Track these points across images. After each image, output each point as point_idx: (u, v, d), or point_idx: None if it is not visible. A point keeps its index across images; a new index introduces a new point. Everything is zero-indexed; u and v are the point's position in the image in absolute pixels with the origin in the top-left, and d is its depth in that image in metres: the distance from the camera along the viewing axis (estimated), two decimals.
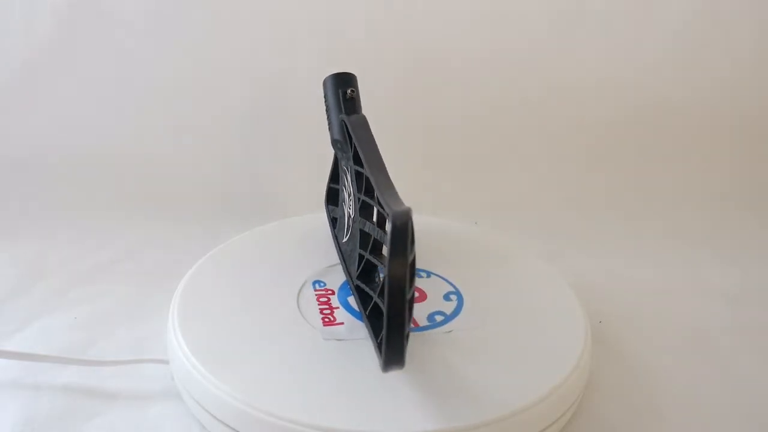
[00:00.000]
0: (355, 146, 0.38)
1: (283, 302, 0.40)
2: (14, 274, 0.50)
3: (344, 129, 0.41)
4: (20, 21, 0.68)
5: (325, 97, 0.43)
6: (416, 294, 0.42)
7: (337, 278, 0.43)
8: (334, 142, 0.43)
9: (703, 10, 0.73)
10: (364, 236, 0.38)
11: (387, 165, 0.36)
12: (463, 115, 0.72)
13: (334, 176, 0.47)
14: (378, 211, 0.37)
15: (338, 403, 0.33)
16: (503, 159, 0.71)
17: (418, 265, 0.44)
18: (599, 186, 0.70)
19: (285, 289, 0.41)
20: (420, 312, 0.40)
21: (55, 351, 0.40)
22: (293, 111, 0.70)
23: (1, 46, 0.67)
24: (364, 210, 0.38)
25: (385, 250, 0.35)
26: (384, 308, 0.27)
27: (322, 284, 0.43)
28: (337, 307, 0.40)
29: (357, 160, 0.38)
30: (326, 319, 0.39)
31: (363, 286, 0.38)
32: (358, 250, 0.39)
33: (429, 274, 0.44)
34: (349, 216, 0.42)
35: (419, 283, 0.43)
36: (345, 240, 0.43)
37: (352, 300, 0.40)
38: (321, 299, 0.41)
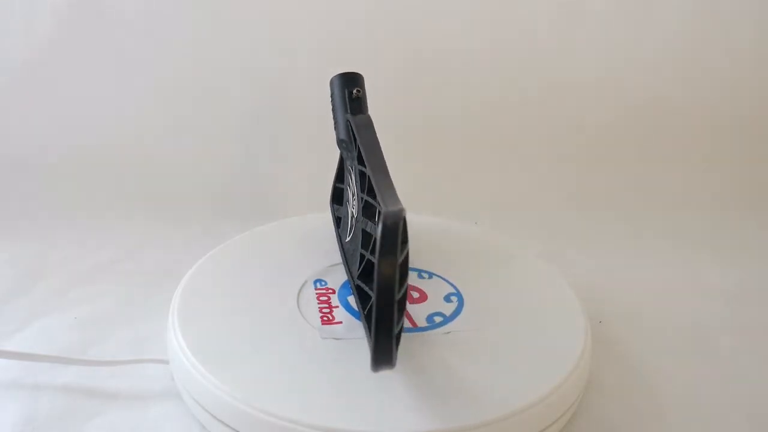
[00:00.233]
0: (359, 146, 0.38)
1: (282, 302, 0.40)
2: (14, 274, 0.50)
3: (349, 129, 0.41)
4: (20, 21, 0.68)
5: (331, 96, 0.43)
6: (417, 295, 0.42)
7: (338, 277, 0.43)
8: (340, 142, 0.43)
9: (703, 9, 0.73)
10: (366, 236, 0.38)
11: (387, 164, 0.36)
12: (464, 115, 0.72)
13: (340, 176, 0.47)
14: (379, 211, 0.37)
15: (337, 403, 0.33)
16: (503, 159, 0.71)
17: (421, 265, 0.45)
18: (599, 186, 0.70)
19: (285, 288, 0.41)
20: (419, 313, 0.40)
21: (55, 351, 0.40)
22: (293, 111, 0.71)
23: (1, 46, 0.67)
24: (366, 210, 0.38)
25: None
26: (374, 308, 0.27)
27: (323, 283, 0.43)
28: (337, 306, 0.40)
29: (361, 160, 0.38)
30: (325, 318, 0.39)
31: (363, 285, 0.38)
32: (360, 250, 0.39)
33: (431, 275, 0.44)
34: (353, 216, 0.42)
35: (421, 284, 0.43)
36: (348, 239, 0.43)
37: (352, 299, 0.41)
38: (321, 298, 0.41)
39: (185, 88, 0.69)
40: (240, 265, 0.45)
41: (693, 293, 0.52)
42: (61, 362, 0.39)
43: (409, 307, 0.40)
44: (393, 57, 0.70)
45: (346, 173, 0.45)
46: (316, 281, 0.43)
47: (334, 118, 0.43)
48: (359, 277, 0.39)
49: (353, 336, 0.37)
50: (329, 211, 0.49)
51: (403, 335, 0.37)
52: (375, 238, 0.37)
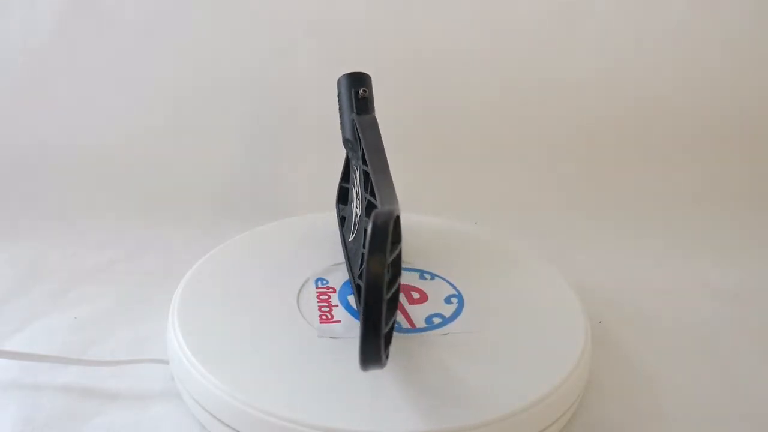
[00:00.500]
0: (362, 146, 0.38)
1: (282, 301, 0.40)
2: (14, 274, 0.50)
3: (355, 128, 0.41)
4: (20, 21, 0.68)
5: (338, 95, 0.43)
6: (417, 295, 0.42)
7: (340, 276, 0.43)
8: (345, 142, 0.43)
9: (704, 9, 0.73)
10: None
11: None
12: (464, 115, 0.72)
13: (346, 176, 0.47)
14: None
15: (337, 402, 0.33)
16: (503, 159, 0.71)
17: (423, 266, 0.45)
18: (599, 186, 0.70)
19: (285, 288, 0.41)
20: (419, 314, 0.40)
21: (55, 351, 0.40)
22: (293, 111, 0.71)
23: (1, 47, 0.67)
24: (369, 209, 0.39)
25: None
26: (361, 306, 0.27)
27: (324, 282, 0.43)
28: (336, 305, 0.40)
29: (365, 160, 0.38)
30: (323, 317, 0.39)
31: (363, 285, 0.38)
32: (362, 249, 0.39)
33: (433, 276, 0.44)
34: (356, 215, 0.42)
35: (422, 284, 0.43)
36: (351, 239, 0.43)
37: (352, 299, 0.41)
38: (321, 297, 0.41)
39: (185, 87, 0.69)
40: (240, 265, 0.45)
41: (693, 293, 0.52)
42: (61, 362, 0.39)
43: (409, 308, 0.40)
44: (393, 57, 0.70)
45: (352, 173, 0.45)
46: (317, 280, 0.43)
47: (341, 117, 0.43)
48: (360, 276, 0.39)
49: (350, 335, 0.37)
50: (329, 211, 0.49)
51: (402, 336, 0.37)
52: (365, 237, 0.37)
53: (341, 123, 0.43)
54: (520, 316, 0.40)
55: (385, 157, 0.38)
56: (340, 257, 0.45)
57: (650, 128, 0.74)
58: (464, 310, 0.40)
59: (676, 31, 0.74)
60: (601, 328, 0.46)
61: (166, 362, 0.38)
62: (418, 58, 0.71)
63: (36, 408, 0.36)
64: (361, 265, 0.39)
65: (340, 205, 0.48)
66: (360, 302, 0.38)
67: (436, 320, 0.39)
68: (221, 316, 0.39)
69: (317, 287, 0.42)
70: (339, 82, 0.43)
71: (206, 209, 0.62)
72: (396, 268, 0.33)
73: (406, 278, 0.43)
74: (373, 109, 0.42)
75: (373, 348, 0.26)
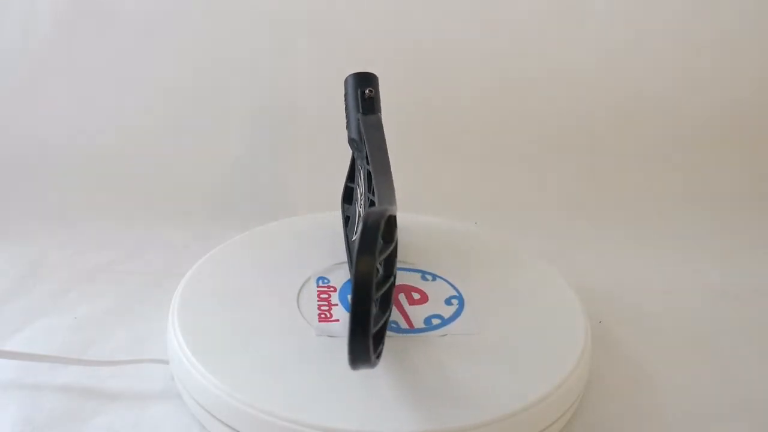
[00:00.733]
0: (366, 146, 0.39)
1: (282, 301, 0.40)
2: (14, 274, 0.50)
3: (360, 128, 0.41)
4: (20, 21, 0.68)
5: (345, 95, 0.43)
6: (418, 296, 0.42)
7: (342, 275, 0.43)
8: (351, 141, 0.43)
9: (702, 10, 0.73)
10: None
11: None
12: (464, 115, 0.72)
13: (351, 175, 0.47)
14: None
15: (338, 402, 0.33)
16: (503, 159, 0.71)
17: (426, 267, 0.45)
18: (600, 186, 0.70)
19: (285, 288, 0.41)
20: (418, 314, 0.40)
21: (55, 351, 0.40)
22: (294, 110, 0.71)
23: (1, 47, 0.67)
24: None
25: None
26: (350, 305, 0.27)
27: (326, 281, 0.43)
28: (336, 304, 0.40)
29: (368, 160, 0.38)
30: (322, 315, 0.39)
31: None
32: None
33: (435, 277, 0.44)
34: (360, 215, 0.42)
35: (424, 285, 0.43)
36: (354, 238, 0.43)
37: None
38: (322, 296, 0.41)
39: (185, 87, 0.69)
40: (240, 265, 0.45)
41: (693, 293, 0.52)
42: (61, 362, 0.39)
43: (409, 309, 0.40)
44: (392, 56, 0.70)
45: (357, 173, 0.45)
46: (318, 279, 0.43)
47: (347, 117, 0.43)
48: None
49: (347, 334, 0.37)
50: (329, 211, 0.49)
51: (401, 336, 0.37)
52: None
53: (347, 122, 0.43)
54: (520, 317, 0.40)
55: (387, 158, 0.38)
56: (342, 256, 0.45)
57: (651, 128, 0.74)
58: (464, 311, 0.40)
59: (678, 31, 0.74)
60: (601, 328, 0.46)
61: (166, 362, 0.38)
62: (418, 57, 0.71)
63: (36, 408, 0.36)
64: None
65: (345, 205, 0.48)
66: None
67: (435, 321, 0.39)
68: (221, 316, 0.39)
69: (318, 286, 0.42)
70: (346, 81, 0.43)
71: (206, 209, 0.62)
72: (388, 268, 0.33)
73: (407, 279, 0.43)
74: (379, 109, 0.42)
75: (362, 347, 0.26)
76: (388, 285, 0.32)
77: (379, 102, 0.42)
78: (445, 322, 0.39)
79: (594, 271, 0.55)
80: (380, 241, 0.30)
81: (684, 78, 0.74)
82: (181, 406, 0.36)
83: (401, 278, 0.43)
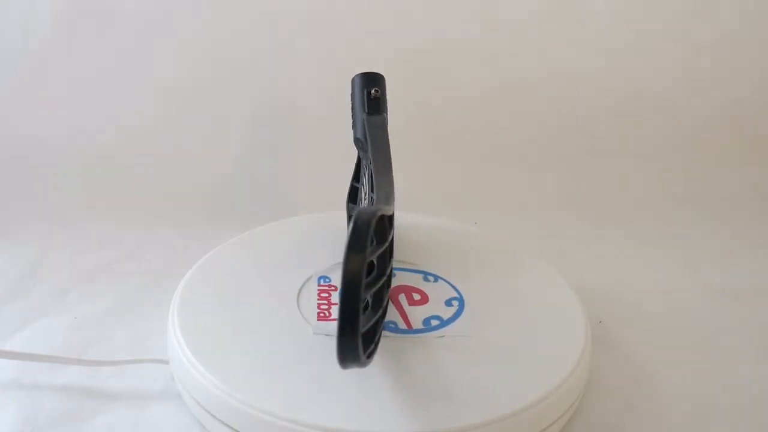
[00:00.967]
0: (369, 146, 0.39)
1: (283, 301, 0.40)
2: (14, 274, 0.50)
3: (364, 128, 0.41)
4: (20, 21, 0.68)
5: (351, 95, 0.43)
6: (418, 297, 0.42)
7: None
8: (356, 141, 0.43)
9: (703, 9, 0.73)
10: None
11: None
12: (464, 115, 0.72)
13: (357, 175, 0.47)
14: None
15: (338, 402, 0.32)
16: (503, 159, 0.71)
17: (428, 268, 0.45)
18: (600, 186, 0.70)
19: (285, 288, 0.41)
20: (417, 315, 0.40)
21: (55, 351, 0.40)
22: (294, 110, 0.71)
23: (1, 47, 0.67)
24: None
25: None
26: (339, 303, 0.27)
27: (327, 280, 0.43)
28: (336, 303, 0.40)
29: (371, 160, 0.39)
30: (321, 314, 0.39)
31: None
32: None
33: (437, 278, 0.44)
34: None
35: (425, 286, 0.43)
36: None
37: None
38: (322, 295, 0.41)
39: (185, 87, 0.69)
40: (240, 264, 0.45)
41: (693, 293, 0.52)
42: (60, 362, 0.39)
43: (408, 309, 0.40)
44: (392, 56, 0.70)
45: (362, 173, 0.45)
46: (320, 278, 0.43)
47: (353, 116, 0.43)
48: None
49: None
50: (330, 210, 0.49)
51: (398, 337, 0.37)
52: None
53: (353, 122, 0.43)
54: (520, 317, 0.40)
55: (389, 158, 0.38)
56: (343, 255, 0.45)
57: (651, 128, 0.74)
58: (463, 313, 0.40)
59: (678, 31, 0.74)
60: (601, 328, 0.46)
61: (166, 362, 0.38)
62: (418, 57, 0.71)
63: (36, 408, 0.36)
64: None
65: (350, 205, 0.48)
66: None
67: (434, 322, 0.39)
68: (221, 316, 0.39)
69: (319, 285, 0.42)
70: (353, 81, 0.43)
71: (206, 209, 0.62)
72: (381, 267, 0.32)
73: (409, 280, 0.43)
74: (385, 109, 0.42)
75: (350, 346, 0.26)
76: (379, 284, 0.32)
77: (386, 102, 0.42)
78: (444, 323, 0.39)
79: (594, 271, 0.55)
80: (373, 240, 0.30)
81: (684, 78, 0.74)
82: (181, 406, 0.36)
83: (403, 279, 0.43)
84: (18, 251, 0.53)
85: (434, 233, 0.50)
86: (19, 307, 0.46)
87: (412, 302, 0.41)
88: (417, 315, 0.40)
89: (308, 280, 0.42)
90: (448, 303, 0.41)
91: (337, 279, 0.43)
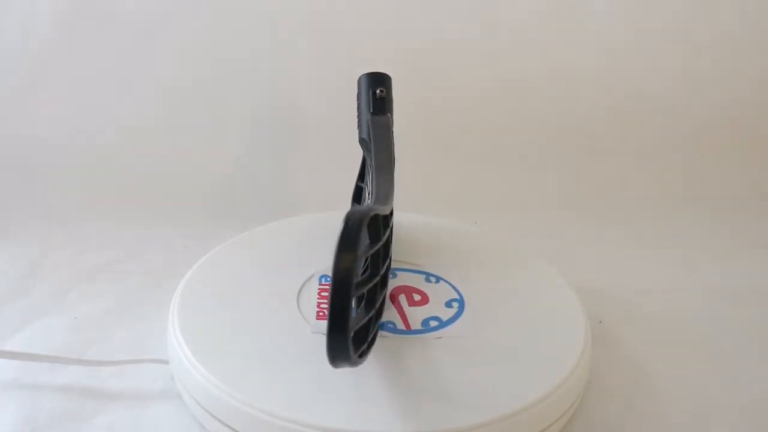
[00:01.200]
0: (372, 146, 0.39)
1: (283, 301, 0.40)
2: (14, 274, 0.50)
3: (369, 128, 0.41)
4: (20, 21, 0.68)
5: (357, 95, 0.43)
6: (418, 297, 0.42)
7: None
8: (361, 141, 0.43)
9: (703, 9, 0.73)
10: None
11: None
12: (464, 115, 0.72)
13: (362, 175, 0.47)
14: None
15: (338, 402, 0.32)
16: (503, 159, 0.71)
17: (430, 269, 0.44)
18: (600, 186, 0.70)
19: (285, 288, 0.41)
20: (416, 316, 0.40)
21: (55, 351, 0.40)
22: (294, 110, 0.71)
23: (1, 47, 0.67)
24: None
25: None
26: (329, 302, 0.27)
27: (327, 279, 0.42)
28: None
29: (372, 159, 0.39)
30: (321, 313, 0.39)
31: None
32: None
33: (438, 279, 0.44)
34: None
35: (427, 287, 0.43)
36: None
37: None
38: (323, 294, 0.41)
39: (185, 87, 0.69)
40: (240, 264, 0.45)
41: (693, 293, 0.52)
42: (60, 362, 0.39)
43: (408, 310, 0.40)
44: (392, 56, 0.70)
45: (367, 172, 0.45)
46: (321, 277, 0.43)
47: (358, 116, 0.43)
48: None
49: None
50: (330, 210, 0.49)
51: (396, 337, 0.37)
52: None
53: (358, 122, 0.43)
54: (520, 317, 0.40)
55: (391, 159, 0.38)
56: None
57: (651, 128, 0.74)
58: (463, 314, 0.40)
59: (678, 31, 0.74)
60: (601, 328, 0.46)
61: (166, 362, 0.38)
62: (418, 57, 0.71)
63: (36, 408, 0.36)
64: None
65: (355, 204, 0.48)
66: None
67: (433, 323, 0.39)
68: (221, 316, 0.39)
69: (320, 284, 0.42)
70: (359, 81, 0.43)
71: (206, 209, 0.62)
72: (374, 267, 0.32)
73: (411, 280, 0.43)
74: (390, 110, 0.42)
75: (340, 344, 0.26)
76: (372, 284, 0.32)
77: (391, 103, 0.42)
78: (443, 324, 0.39)
79: (594, 271, 0.55)
80: (366, 239, 0.30)
81: (684, 78, 0.74)
82: (181, 406, 0.36)
83: (405, 279, 0.43)
84: (18, 251, 0.53)
85: (437, 234, 0.50)
86: (19, 307, 0.46)
87: (412, 303, 0.41)
88: (416, 316, 0.40)
89: (308, 279, 0.42)
90: (449, 304, 0.41)
91: None
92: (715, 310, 0.50)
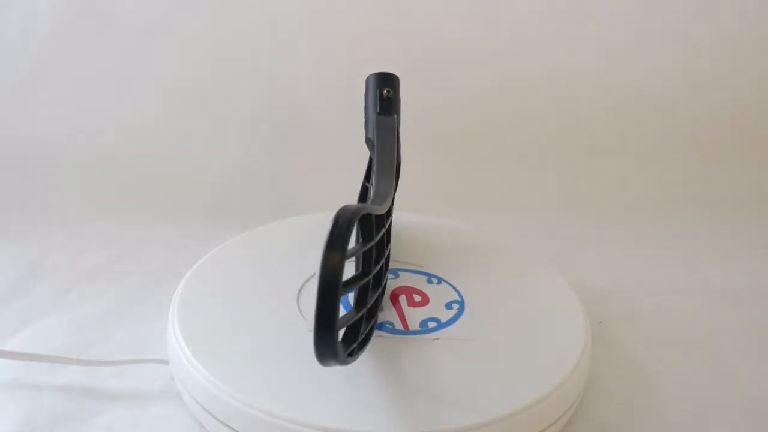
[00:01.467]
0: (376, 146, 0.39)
1: (282, 301, 0.40)
2: (14, 274, 0.50)
3: (374, 128, 0.41)
4: (20, 21, 0.68)
5: (365, 94, 0.43)
6: (419, 298, 0.42)
7: (346, 273, 0.43)
8: (367, 141, 0.43)
9: (703, 9, 0.73)
10: None
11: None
12: (463, 115, 0.72)
13: (368, 175, 0.47)
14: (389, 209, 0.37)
15: (338, 402, 0.33)
16: (503, 159, 0.71)
17: (431, 269, 0.44)
18: (600, 186, 0.70)
19: (284, 288, 0.41)
20: (416, 317, 0.40)
21: (55, 351, 0.40)
22: (293, 110, 0.71)
23: (1, 47, 0.67)
24: None
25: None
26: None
27: None
28: None
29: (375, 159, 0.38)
30: None
31: None
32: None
33: (440, 280, 0.44)
34: None
35: (428, 288, 0.43)
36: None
37: (352, 296, 0.40)
38: None
39: (185, 87, 0.69)
40: (240, 264, 0.45)
41: (693, 293, 0.52)
42: (60, 362, 0.39)
43: (407, 310, 0.40)
44: (392, 56, 0.70)
45: (372, 172, 0.45)
46: None
47: (365, 116, 0.43)
48: None
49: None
50: (330, 210, 0.49)
51: (394, 337, 0.37)
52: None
53: (365, 122, 0.43)
54: (520, 317, 0.40)
55: (393, 159, 0.38)
56: None
57: (651, 128, 0.74)
58: (462, 316, 0.40)
59: (678, 31, 0.74)
60: (601, 328, 0.46)
61: (166, 362, 0.38)
62: (418, 57, 0.71)
63: (36, 408, 0.36)
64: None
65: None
66: None
67: (431, 324, 0.39)
68: (221, 316, 0.39)
69: None
70: (367, 80, 0.43)
71: (206, 209, 0.62)
72: (366, 266, 0.32)
73: (413, 281, 0.44)
74: (396, 110, 0.42)
75: (327, 342, 0.26)
76: (361, 283, 0.32)
77: (399, 103, 0.42)
78: (441, 325, 0.39)
79: (594, 271, 0.55)
80: (358, 238, 0.30)
81: (684, 78, 0.74)
82: (181, 406, 0.36)
83: (407, 280, 0.43)
84: (18, 251, 0.53)
85: (439, 234, 0.50)
86: (19, 307, 0.46)
87: (412, 303, 0.41)
88: (415, 316, 0.40)
89: (308, 279, 0.42)
90: (449, 306, 0.41)
91: None
92: (715, 310, 0.50)
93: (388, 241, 0.39)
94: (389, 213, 0.38)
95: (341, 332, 0.30)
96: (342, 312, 0.39)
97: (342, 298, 0.40)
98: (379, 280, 0.36)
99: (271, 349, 0.36)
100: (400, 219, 0.44)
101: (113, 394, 0.37)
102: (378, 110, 0.41)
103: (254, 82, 0.70)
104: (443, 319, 0.39)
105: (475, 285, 0.43)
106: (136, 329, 0.44)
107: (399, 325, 0.39)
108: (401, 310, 0.40)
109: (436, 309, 0.41)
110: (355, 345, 0.31)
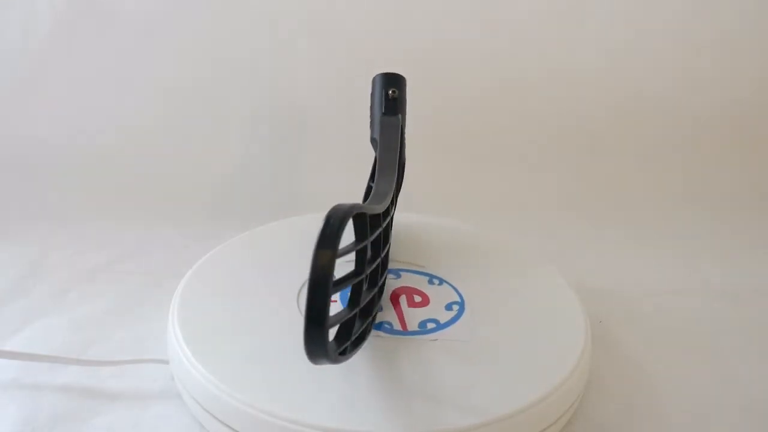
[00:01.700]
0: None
1: (282, 301, 0.40)
2: (14, 274, 0.50)
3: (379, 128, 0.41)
4: (20, 21, 0.68)
5: (371, 94, 0.43)
6: (419, 299, 0.42)
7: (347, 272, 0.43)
8: (372, 141, 0.43)
9: (703, 9, 0.73)
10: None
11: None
12: (463, 115, 0.72)
13: (373, 175, 0.47)
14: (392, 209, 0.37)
15: (338, 402, 0.32)
16: (503, 159, 0.71)
17: (433, 270, 0.44)
18: (600, 186, 0.70)
19: (285, 288, 0.41)
20: (415, 317, 0.40)
21: (55, 351, 0.40)
22: (293, 110, 0.71)
23: (1, 47, 0.67)
24: None
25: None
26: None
27: None
28: (335, 301, 0.40)
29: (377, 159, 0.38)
30: None
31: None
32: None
33: (441, 281, 0.44)
34: None
35: (429, 289, 0.43)
36: None
37: None
38: None
39: (185, 87, 0.69)
40: (240, 264, 0.45)
41: (693, 293, 0.52)
42: (60, 362, 0.39)
43: (407, 311, 0.40)
44: (392, 56, 0.70)
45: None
46: None
47: (371, 116, 0.43)
48: None
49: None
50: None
51: (392, 338, 0.37)
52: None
53: (371, 122, 0.43)
54: (520, 317, 0.40)
55: (395, 159, 0.38)
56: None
57: (651, 128, 0.74)
58: (462, 317, 0.40)
59: (678, 31, 0.74)
60: (601, 328, 0.46)
61: (166, 362, 0.38)
62: (418, 57, 0.71)
63: (36, 408, 0.36)
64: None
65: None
66: None
67: (430, 325, 0.39)
68: (221, 316, 0.39)
69: None
70: (374, 80, 0.43)
71: (206, 209, 0.62)
72: (359, 266, 0.32)
73: (414, 281, 0.43)
74: (402, 110, 0.42)
75: (317, 341, 0.26)
76: (354, 282, 0.32)
77: (404, 104, 0.42)
78: (440, 326, 0.39)
79: (594, 271, 0.55)
80: (353, 237, 0.30)
81: (684, 78, 0.74)
82: (181, 406, 0.36)
83: (408, 281, 0.43)
84: (18, 251, 0.53)
85: (439, 234, 0.50)
86: (19, 307, 0.46)
87: (412, 304, 0.41)
88: (414, 317, 0.40)
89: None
90: (449, 307, 0.41)
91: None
92: (715, 310, 0.50)
93: (386, 241, 0.39)
94: (387, 212, 0.38)
95: (334, 331, 0.30)
96: (340, 309, 0.39)
97: (342, 297, 0.40)
98: (374, 280, 0.36)
99: (271, 349, 0.36)
100: (400, 219, 0.44)
101: (113, 394, 0.37)
102: (383, 110, 0.41)
103: (254, 82, 0.70)
104: (442, 320, 0.39)
105: (475, 285, 0.43)
106: (136, 329, 0.44)
107: (398, 326, 0.39)
108: (401, 310, 0.40)
109: (436, 310, 0.40)
110: (348, 344, 0.31)
